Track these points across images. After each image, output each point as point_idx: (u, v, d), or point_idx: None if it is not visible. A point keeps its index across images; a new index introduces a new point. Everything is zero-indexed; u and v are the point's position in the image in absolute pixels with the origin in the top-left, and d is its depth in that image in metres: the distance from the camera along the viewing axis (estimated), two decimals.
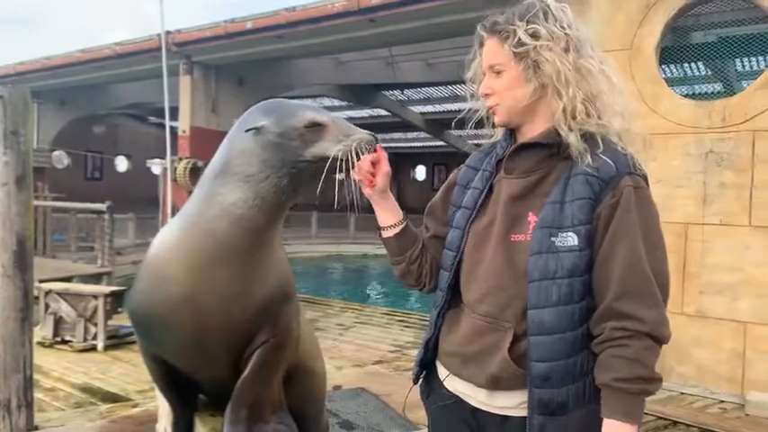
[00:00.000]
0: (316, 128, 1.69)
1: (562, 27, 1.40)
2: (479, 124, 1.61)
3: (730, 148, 4.64)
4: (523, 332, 1.38)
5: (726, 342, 4.67)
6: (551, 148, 1.42)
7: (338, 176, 1.67)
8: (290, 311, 1.99)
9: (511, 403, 1.42)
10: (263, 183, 1.70)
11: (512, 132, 1.54)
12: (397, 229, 1.58)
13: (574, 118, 1.38)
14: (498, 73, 1.45)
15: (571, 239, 1.33)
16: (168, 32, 10.52)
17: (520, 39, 1.40)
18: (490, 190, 1.51)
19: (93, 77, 13.29)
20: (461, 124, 1.62)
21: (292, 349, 2.03)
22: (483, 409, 1.47)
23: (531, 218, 1.39)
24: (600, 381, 1.32)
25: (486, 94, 1.48)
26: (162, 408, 2.49)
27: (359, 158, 1.58)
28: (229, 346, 1.88)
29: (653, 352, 1.30)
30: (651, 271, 1.31)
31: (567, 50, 1.39)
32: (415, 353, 7.18)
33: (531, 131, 1.46)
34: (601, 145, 1.37)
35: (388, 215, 1.59)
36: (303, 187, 1.72)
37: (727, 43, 5.08)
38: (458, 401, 1.52)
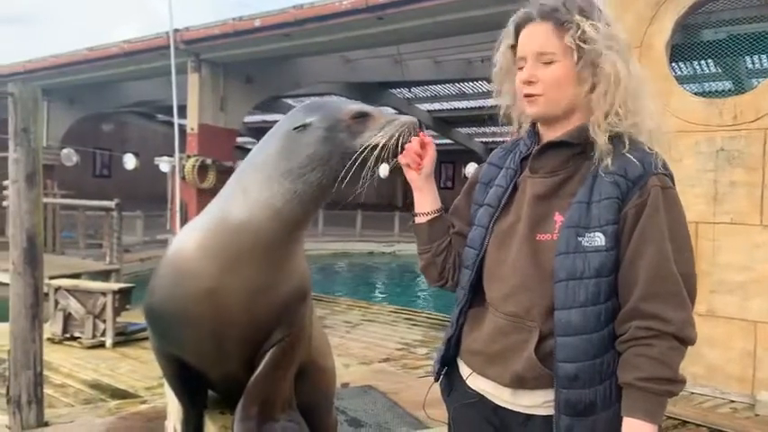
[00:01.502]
0: (362, 118, 1.72)
1: (612, 28, 1.38)
2: (495, 121, 1.58)
3: (741, 146, 4.61)
4: (549, 332, 1.36)
5: (736, 341, 4.64)
6: (577, 148, 1.40)
7: (380, 169, 1.69)
8: (306, 310, 1.99)
9: (535, 402, 1.41)
10: (307, 175, 1.72)
11: (535, 129, 1.51)
12: (431, 217, 1.57)
13: (606, 118, 1.36)
14: (548, 63, 1.37)
15: (598, 239, 1.31)
16: (176, 30, 10.54)
17: (586, 33, 1.34)
18: (514, 188, 1.48)
19: (101, 75, 13.32)
20: (494, 121, 1.59)
21: (305, 347, 2.04)
22: (506, 407, 1.45)
23: (557, 217, 1.38)
24: (623, 380, 1.31)
25: (530, 82, 1.39)
26: (171, 405, 2.50)
27: (406, 143, 1.60)
28: (246, 342, 1.88)
29: (678, 353, 1.29)
30: (678, 272, 1.30)
31: (620, 52, 1.37)
32: (422, 351, 7.20)
33: (562, 128, 1.43)
34: (627, 145, 1.36)
35: (427, 201, 1.58)
36: (343, 181, 1.73)
37: (738, 41, 5.03)
38: (480, 400, 1.50)
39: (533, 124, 1.52)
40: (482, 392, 1.50)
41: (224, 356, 1.91)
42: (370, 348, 6.90)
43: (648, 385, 1.27)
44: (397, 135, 1.64)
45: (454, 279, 1.60)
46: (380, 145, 1.65)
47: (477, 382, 1.51)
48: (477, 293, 1.53)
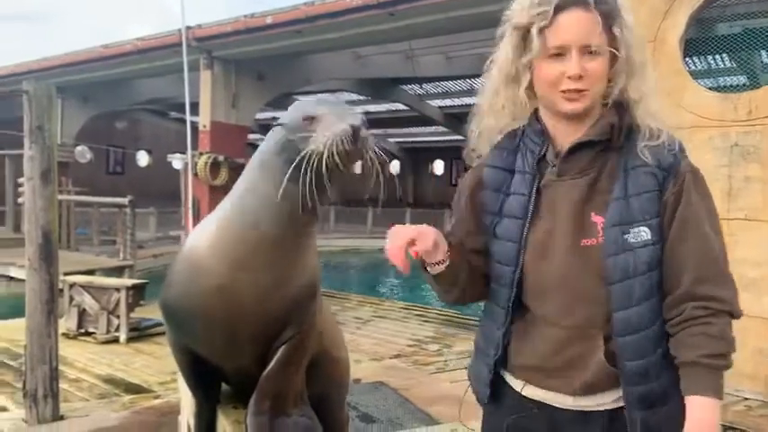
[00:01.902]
0: (310, 121, 1.68)
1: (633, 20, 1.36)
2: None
3: (756, 141, 4.55)
4: (610, 333, 1.34)
5: (750, 339, 4.59)
6: (603, 144, 1.37)
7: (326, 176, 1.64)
8: (316, 307, 2.01)
9: (600, 402, 1.39)
10: (297, 173, 1.70)
11: (540, 126, 1.43)
12: (447, 262, 1.41)
13: (647, 108, 1.36)
14: (593, 55, 1.29)
15: (644, 234, 1.30)
16: (189, 28, 10.57)
17: (626, 24, 1.30)
18: (538, 194, 1.40)
19: (115, 73, 13.42)
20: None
21: (315, 341, 2.05)
22: (563, 408, 1.41)
23: (597, 219, 1.34)
24: (685, 359, 1.29)
25: (580, 76, 1.29)
26: (185, 399, 2.53)
27: (344, 150, 1.59)
28: (258, 338, 1.90)
29: (731, 328, 1.31)
30: (719, 251, 1.33)
31: (642, 46, 1.37)
32: (433, 347, 7.18)
33: (582, 125, 1.37)
34: (647, 134, 1.36)
35: (436, 253, 1.40)
36: (329, 182, 1.70)
37: (754, 35, 4.97)
38: (538, 409, 1.44)
39: (537, 120, 1.44)
40: (541, 399, 1.44)
41: (236, 351, 1.93)
42: (381, 345, 6.92)
43: (712, 361, 1.27)
44: (330, 145, 1.60)
45: (480, 293, 1.52)
46: (315, 153, 1.62)
47: (534, 391, 1.45)
48: (516, 309, 1.44)
